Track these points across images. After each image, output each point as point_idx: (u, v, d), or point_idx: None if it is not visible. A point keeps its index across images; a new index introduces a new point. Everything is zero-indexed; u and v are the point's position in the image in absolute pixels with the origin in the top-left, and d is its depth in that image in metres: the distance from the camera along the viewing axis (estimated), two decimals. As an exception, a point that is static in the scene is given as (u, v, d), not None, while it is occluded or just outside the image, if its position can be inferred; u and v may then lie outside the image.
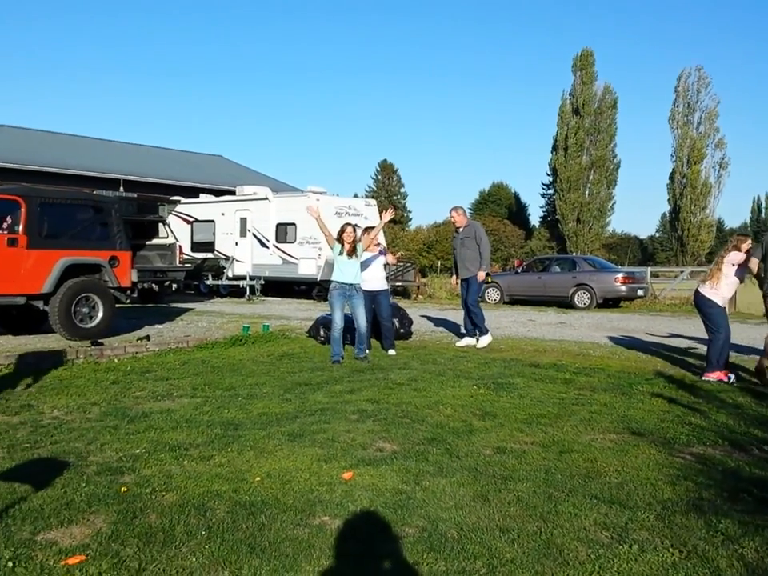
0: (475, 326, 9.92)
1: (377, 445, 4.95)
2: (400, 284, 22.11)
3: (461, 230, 10.01)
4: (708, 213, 52.99)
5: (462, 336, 10.45)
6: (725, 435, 5.25)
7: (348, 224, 9.07)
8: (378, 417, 5.75)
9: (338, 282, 8.73)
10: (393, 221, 63.54)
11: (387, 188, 73.17)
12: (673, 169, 53.64)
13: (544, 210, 67.38)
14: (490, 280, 11.25)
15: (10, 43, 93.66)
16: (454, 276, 10.60)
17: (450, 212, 10.14)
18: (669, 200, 54.69)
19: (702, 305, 7.81)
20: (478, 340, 9.89)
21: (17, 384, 7.06)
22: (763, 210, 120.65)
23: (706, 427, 5.48)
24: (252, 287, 20.70)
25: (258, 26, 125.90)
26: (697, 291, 7.92)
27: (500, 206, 68.38)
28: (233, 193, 24.32)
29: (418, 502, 3.81)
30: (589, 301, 18.13)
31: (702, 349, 9.78)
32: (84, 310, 10.00)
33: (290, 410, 6.00)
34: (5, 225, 9.57)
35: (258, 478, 4.19)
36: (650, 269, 22.72)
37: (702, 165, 52.22)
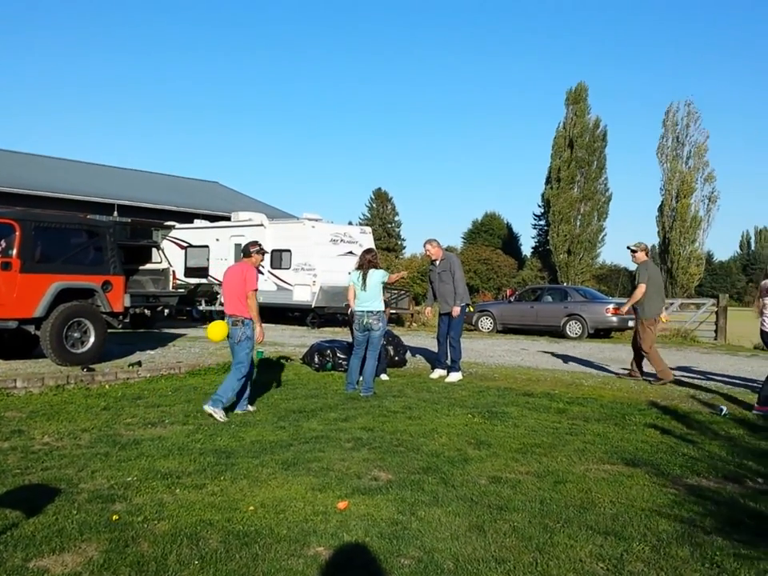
0: (452, 360, 9.72)
1: (372, 474, 4.92)
2: (394, 312, 22.11)
3: (437, 263, 9.89)
4: (697, 246, 53.34)
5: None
6: (718, 466, 5.26)
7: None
8: (372, 445, 5.72)
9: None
10: (387, 248, 63.73)
11: (381, 216, 73.53)
12: (662, 202, 54.13)
13: (536, 240, 67.78)
14: (472, 309, 11.16)
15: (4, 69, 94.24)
16: (429, 308, 10.64)
17: (425, 245, 9.94)
18: (658, 232, 55.08)
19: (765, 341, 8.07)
20: (448, 374, 9.69)
21: (7, 409, 7.00)
22: (752, 244, 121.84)
23: (699, 458, 5.48)
24: (245, 314, 20.62)
25: (253, 53, 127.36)
26: (761, 330, 7.97)
27: (493, 235, 68.75)
28: (228, 219, 24.36)
29: (413, 533, 3.79)
30: (580, 331, 18.17)
31: (694, 381, 9.81)
32: (76, 335, 9.93)
33: (284, 438, 5.97)
34: (-1, 248, 9.55)
35: (252, 508, 4.16)
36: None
37: (692, 198, 52.71)
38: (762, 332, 7.94)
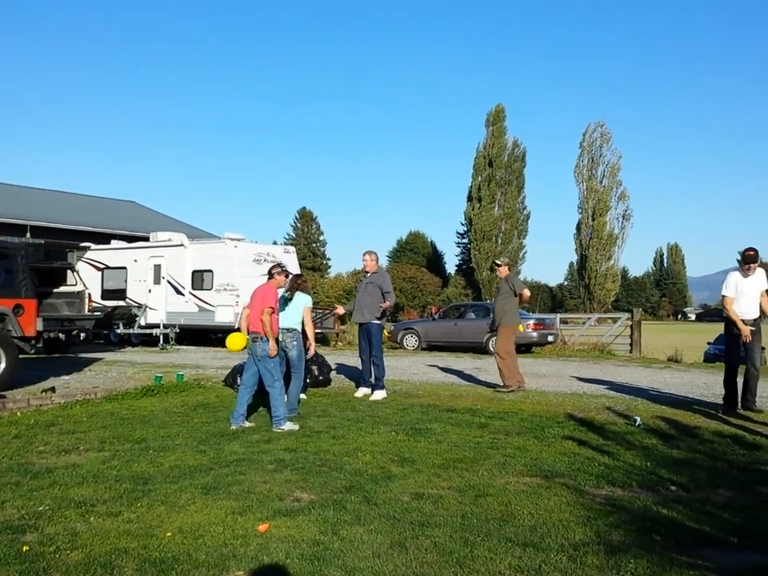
0: (376, 378, 9.72)
1: (294, 495, 4.88)
2: (319, 331, 22.01)
3: (369, 275, 10.00)
4: (613, 262, 55.53)
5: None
6: (633, 476, 5.43)
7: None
8: (295, 466, 5.67)
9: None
10: (312, 268, 63.51)
11: (306, 236, 73.37)
12: (579, 220, 56.13)
13: (459, 258, 68.97)
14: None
15: None
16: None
17: (364, 255, 10.01)
18: (576, 250, 57.03)
19: None
20: (373, 392, 9.69)
21: None
22: (665, 260, 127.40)
23: (614, 468, 5.65)
24: (166, 336, 20.17)
25: (172, 70, 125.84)
26: None
27: (417, 253, 69.59)
28: (146, 239, 23.82)
29: (335, 552, 3.77)
30: (503, 347, 18.53)
31: (610, 393, 10.15)
32: (-16, 360, 9.49)
33: (204, 462, 5.85)
34: None
35: (169, 534, 4.05)
36: (559, 315, 23.45)
37: (607, 216, 54.87)
38: None
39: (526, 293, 10.47)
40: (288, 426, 7.29)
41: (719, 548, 3.89)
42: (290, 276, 8.63)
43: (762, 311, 8.41)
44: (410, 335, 20.47)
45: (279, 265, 7.98)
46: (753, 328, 8.21)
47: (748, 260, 8.24)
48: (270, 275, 7.85)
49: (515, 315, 10.53)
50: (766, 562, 3.66)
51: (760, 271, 8.32)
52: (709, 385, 11.41)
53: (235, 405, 7.67)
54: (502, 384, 10.23)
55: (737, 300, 8.27)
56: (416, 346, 20.28)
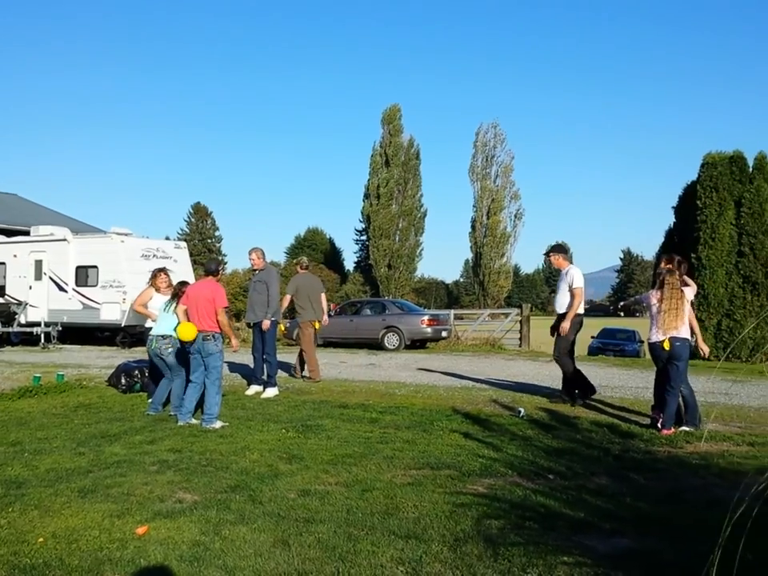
0: (268, 375, 9.64)
1: (176, 496, 4.76)
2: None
3: (257, 272, 9.93)
4: (506, 260, 57.28)
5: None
6: (514, 466, 5.62)
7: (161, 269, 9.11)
8: (179, 467, 5.53)
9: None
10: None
11: (201, 231, 71.59)
12: (474, 218, 57.53)
13: (358, 255, 69.30)
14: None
15: None
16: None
17: (250, 253, 9.87)
18: (471, 247, 58.44)
19: None
20: (264, 389, 9.60)
21: None
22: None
23: (497, 459, 5.83)
24: (48, 334, 19.21)
25: (57, 62, 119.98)
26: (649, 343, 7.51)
27: (315, 250, 69.30)
28: (27, 233, 22.56)
29: (215, 553, 3.70)
30: (398, 342, 18.75)
31: (498, 386, 10.46)
32: None
33: (82, 465, 5.64)
34: None
35: (42, 539, 3.89)
36: (453, 311, 23.94)
37: (501, 215, 56.52)
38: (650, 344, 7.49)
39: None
40: (219, 424, 7.24)
41: (592, 534, 4.05)
42: (177, 283, 8.50)
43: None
44: (306, 332, 20.35)
45: (218, 260, 8.02)
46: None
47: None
48: (212, 271, 7.82)
49: (309, 312, 10.83)
50: (634, 546, 3.85)
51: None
52: (590, 376, 11.92)
53: (183, 402, 7.67)
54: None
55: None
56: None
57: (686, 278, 7.40)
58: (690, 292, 7.32)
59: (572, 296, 8.62)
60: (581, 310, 8.70)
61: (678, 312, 6.98)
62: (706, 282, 15.90)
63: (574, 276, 8.67)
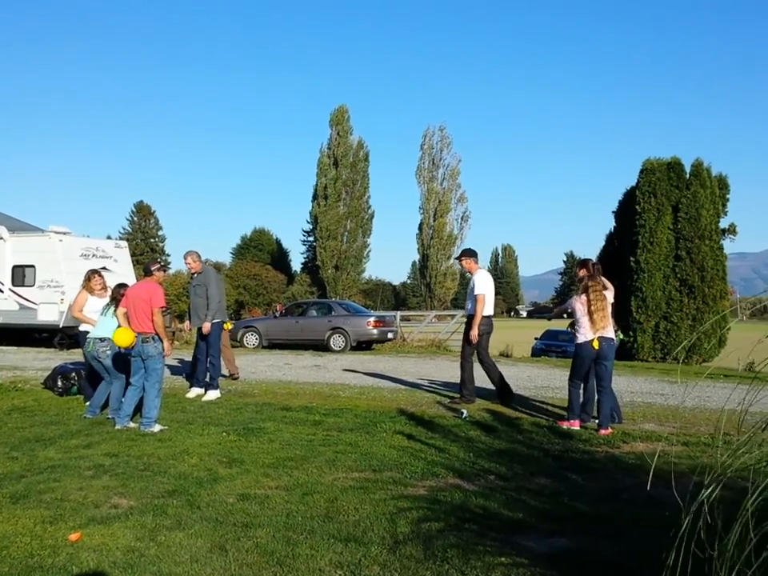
0: (211, 378, 9.49)
1: (112, 501, 4.65)
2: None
3: (195, 276, 9.78)
4: (452, 262, 57.80)
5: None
6: (455, 467, 5.66)
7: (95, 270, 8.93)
8: (115, 471, 5.40)
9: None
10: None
11: (144, 230, 70.25)
12: (421, 220, 57.95)
13: (305, 256, 68.97)
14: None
15: None
16: (187, 322, 10.21)
17: (185, 257, 9.68)
18: (418, 249, 58.87)
19: None
20: (206, 392, 9.44)
21: None
22: (500, 259, 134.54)
23: (439, 460, 5.86)
24: (-19, 336, 18.54)
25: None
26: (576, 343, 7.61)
27: (262, 251, 68.72)
28: (-40, 231, 21.73)
29: (150, 559, 3.62)
30: (343, 344, 18.71)
31: (442, 388, 10.52)
32: None
33: (15, 470, 5.47)
34: None
35: (-33, 549, 3.73)
36: (399, 313, 24.04)
37: (447, 217, 57.08)
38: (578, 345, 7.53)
39: None
40: (157, 427, 7.12)
41: (530, 534, 4.10)
42: (115, 286, 8.31)
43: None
44: (250, 333, 20.13)
45: (157, 260, 7.86)
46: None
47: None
48: (149, 272, 7.67)
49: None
50: (571, 546, 3.91)
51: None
52: (532, 377, 12.15)
53: (121, 405, 7.50)
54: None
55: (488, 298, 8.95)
56: (257, 344, 19.99)
57: (604, 280, 7.60)
58: (610, 294, 7.55)
59: (475, 301, 8.79)
60: (488, 312, 9.00)
61: (605, 313, 7.26)
62: (644, 286, 16.35)
63: (476, 282, 8.99)
